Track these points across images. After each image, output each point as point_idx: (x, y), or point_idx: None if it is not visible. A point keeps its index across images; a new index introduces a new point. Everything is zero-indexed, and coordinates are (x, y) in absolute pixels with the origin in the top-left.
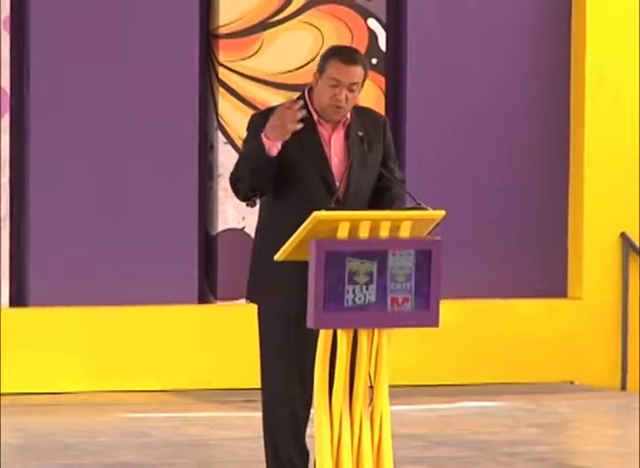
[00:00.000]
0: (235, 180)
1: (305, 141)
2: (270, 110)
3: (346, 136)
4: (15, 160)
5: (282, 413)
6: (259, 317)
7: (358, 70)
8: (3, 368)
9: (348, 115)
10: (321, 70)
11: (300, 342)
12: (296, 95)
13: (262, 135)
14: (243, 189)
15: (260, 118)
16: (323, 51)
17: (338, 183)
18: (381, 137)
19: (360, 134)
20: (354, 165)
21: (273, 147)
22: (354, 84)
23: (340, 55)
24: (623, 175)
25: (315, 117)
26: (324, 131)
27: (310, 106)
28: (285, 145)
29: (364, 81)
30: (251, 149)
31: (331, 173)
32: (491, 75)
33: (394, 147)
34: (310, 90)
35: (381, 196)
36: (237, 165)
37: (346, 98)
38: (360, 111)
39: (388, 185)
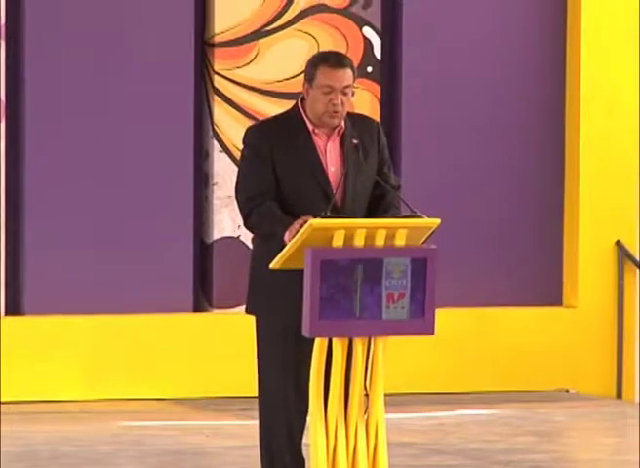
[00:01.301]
0: (245, 218)
1: (301, 151)
2: (265, 123)
3: (341, 144)
4: (11, 167)
5: (279, 424)
6: (257, 329)
7: (348, 73)
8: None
9: (343, 123)
10: (311, 79)
11: (298, 354)
12: (291, 104)
13: (285, 237)
14: (252, 232)
15: (258, 133)
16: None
17: (334, 192)
18: (376, 143)
19: (355, 141)
20: (350, 173)
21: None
22: (347, 87)
23: (328, 60)
24: (619, 184)
25: (310, 127)
26: (319, 140)
27: (304, 116)
28: (282, 156)
29: (354, 82)
30: (270, 230)
31: (328, 181)
32: (486, 83)
33: (388, 151)
34: (303, 99)
35: (378, 203)
36: (254, 215)
37: (342, 103)
38: (353, 118)
39: (384, 192)
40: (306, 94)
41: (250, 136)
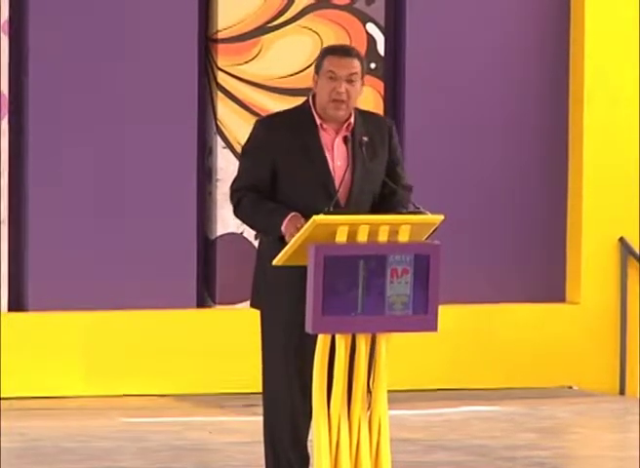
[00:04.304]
0: (235, 207)
1: (307, 146)
2: (275, 116)
3: (349, 139)
4: (14, 163)
5: (283, 420)
6: (261, 323)
7: (354, 62)
8: (2, 372)
9: (352, 119)
10: (318, 69)
11: (302, 350)
12: (294, 100)
13: (283, 229)
14: (242, 222)
15: (265, 126)
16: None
17: (337, 188)
18: (386, 142)
19: (365, 139)
20: (357, 169)
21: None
22: (352, 75)
23: (334, 49)
24: (622, 180)
25: (318, 121)
26: (327, 135)
27: (314, 111)
28: (286, 150)
29: (363, 76)
30: (265, 223)
31: (331, 177)
32: (489, 80)
33: (400, 152)
34: (314, 95)
35: (386, 202)
36: (244, 203)
37: (347, 92)
38: (365, 115)
39: (393, 191)
40: (315, 86)
41: (258, 127)
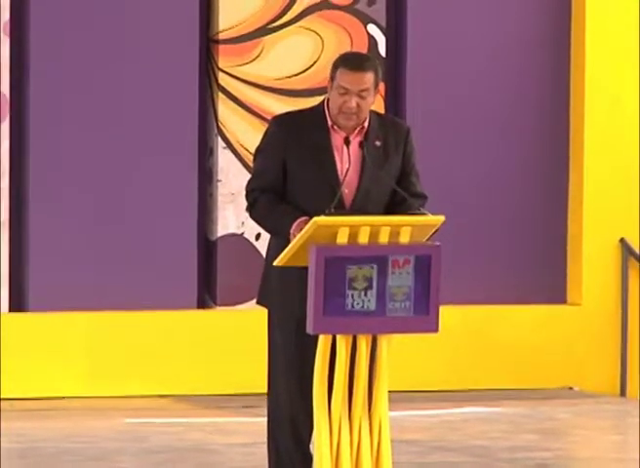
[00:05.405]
0: (250, 208)
1: (317, 146)
2: (288, 115)
3: (361, 143)
4: (14, 165)
5: (285, 421)
6: (268, 322)
7: (367, 76)
8: (2, 373)
9: (366, 123)
10: (331, 79)
11: (304, 351)
12: (295, 101)
13: (291, 233)
14: (255, 222)
15: (277, 125)
16: (328, 58)
17: (342, 189)
18: (401, 149)
19: (378, 143)
20: (364, 173)
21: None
22: (364, 90)
23: (348, 62)
24: (623, 181)
25: (330, 123)
26: (338, 137)
27: (327, 113)
28: (295, 150)
29: (377, 85)
30: (275, 224)
31: (337, 178)
32: (490, 81)
33: (416, 158)
34: (329, 99)
35: (396, 210)
36: (258, 205)
37: (358, 105)
38: (382, 120)
39: (404, 199)
40: (328, 92)
41: (271, 126)
